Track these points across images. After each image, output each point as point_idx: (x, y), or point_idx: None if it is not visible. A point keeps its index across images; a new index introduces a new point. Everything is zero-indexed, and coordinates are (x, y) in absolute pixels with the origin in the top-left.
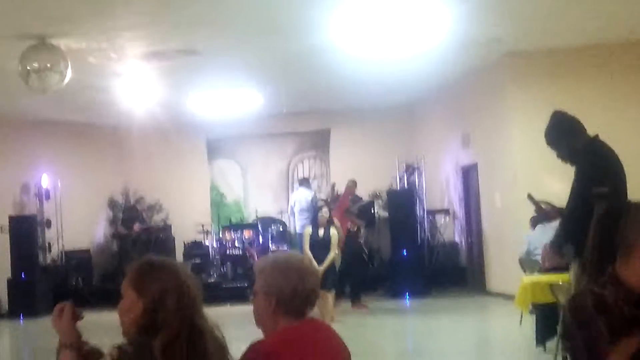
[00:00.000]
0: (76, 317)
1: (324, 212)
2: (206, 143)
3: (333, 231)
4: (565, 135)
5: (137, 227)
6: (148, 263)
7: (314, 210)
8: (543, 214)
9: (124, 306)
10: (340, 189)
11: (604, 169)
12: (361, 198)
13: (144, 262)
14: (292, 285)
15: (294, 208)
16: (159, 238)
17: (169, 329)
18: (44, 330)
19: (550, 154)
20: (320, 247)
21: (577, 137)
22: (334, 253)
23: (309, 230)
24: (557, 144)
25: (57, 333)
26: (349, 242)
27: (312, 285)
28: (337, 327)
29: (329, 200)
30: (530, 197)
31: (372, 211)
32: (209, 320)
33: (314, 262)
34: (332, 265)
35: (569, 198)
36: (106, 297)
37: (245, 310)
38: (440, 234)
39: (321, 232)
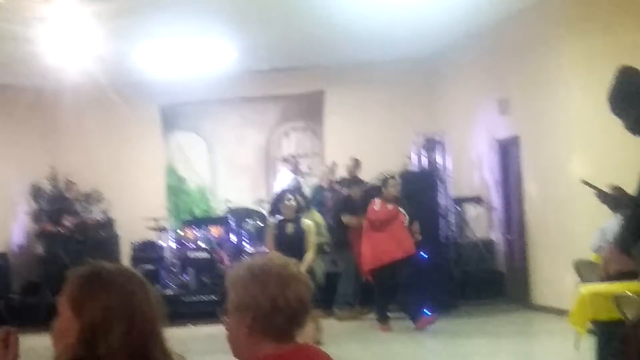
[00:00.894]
0: (9, 341)
1: (288, 199)
2: (160, 111)
3: (307, 223)
4: (635, 100)
5: (68, 222)
6: (93, 271)
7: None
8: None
9: (58, 327)
10: (341, 169)
11: None
12: (362, 181)
13: (89, 269)
14: (272, 297)
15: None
16: (98, 237)
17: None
18: None
19: (617, 124)
20: (289, 246)
21: None
22: (311, 253)
23: (273, 226)
24: (624, 111)
25: None
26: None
27: (299, 298)
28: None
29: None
30: (586, 183)
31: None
32: (172, 353)
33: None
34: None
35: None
36: (29, 316)
37: (214, 332)
38: (471, 229)
39: (289, 227)
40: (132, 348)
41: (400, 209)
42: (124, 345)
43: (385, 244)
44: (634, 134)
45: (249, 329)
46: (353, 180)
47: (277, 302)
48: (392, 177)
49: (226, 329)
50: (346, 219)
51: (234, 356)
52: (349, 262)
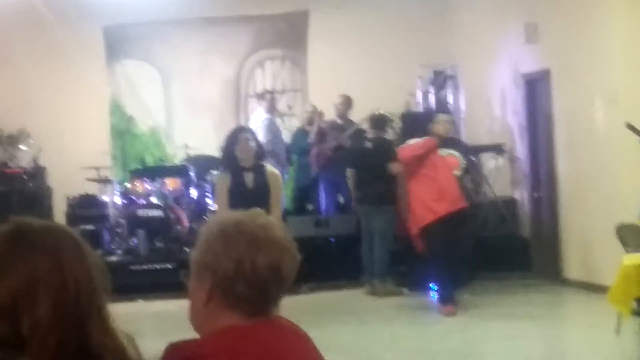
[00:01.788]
0: None
1: (245, 140)
2: (104, 34)
3: (271, 172)
4: None
5: None
6: (15, 229)
7: (276, 142)
8: None
9: None
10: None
11: None
12: (352, 122)
13: (9, 227)
14: (236, 259)
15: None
16: (24, 188)
17: (37, 350)
18: None
19: None
20: (247, 203)
21: None
22: (278, 212)
23: (225, 178)
24: None
25: None
26: None
27: (271, 265)
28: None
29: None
30: (631, 127)
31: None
32: (118, 333)
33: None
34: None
35: None
36: None
37: (169, 307)
38: (489, 185)
39: (249, 178)
40: (65, 325)
41: (454, 153)
42: (54, 321)
43: (428, 193)
44: None
45: (207, 295)
46: (345, 123)
47: (242, 266)
48: (443, 112)
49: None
50: (395, 166)
51: (193, 328)
52: (388, 222)
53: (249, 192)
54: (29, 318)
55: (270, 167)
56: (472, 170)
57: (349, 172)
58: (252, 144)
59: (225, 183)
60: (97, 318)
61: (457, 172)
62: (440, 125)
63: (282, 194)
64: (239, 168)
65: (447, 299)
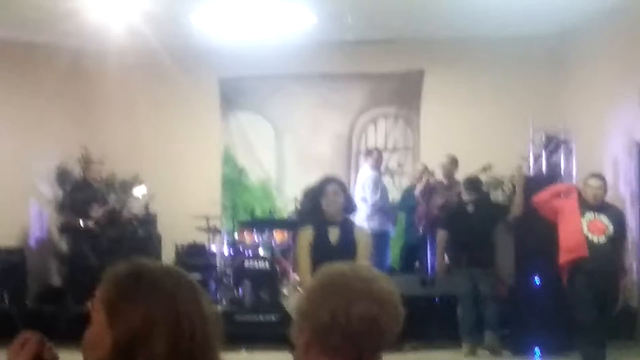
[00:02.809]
0: (43, 358)
1: (333, 193)
2: (220, 86)
3: (360, 234)
4: None
5: (96, 212)
6: (136, 270)
7: (381, 200)
8: None
9: (89, 336)
10: (436, 171)
11: None
12: (458, 182)
13: (129, 267)
14: (331, 310)
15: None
16: (135, 235)
17: None
18: None
19: None
20: (334, 260)
21: None
22: None
23: (307, 233)
24: None
25: None
26: None
27: (365, 317)
28: None
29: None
30: None
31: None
32: None
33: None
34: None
35: None
36: (47, 327)
37: (273, 359)
38: None
39: (333, 234)
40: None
41: (603, 219)
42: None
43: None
44: None
45: (305, 345)
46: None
47: (337, 317)
48: (596, 175)
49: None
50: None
51: None
52: (494, 282)
53: (332, 249)
54: (144, 357)
55: (359, 231)
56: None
57: (441, 233)
58: (341, 197)
59: (308, 239)
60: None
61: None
62: (589, 190)
63: (369, 252)
64: (324, 222)
65: None
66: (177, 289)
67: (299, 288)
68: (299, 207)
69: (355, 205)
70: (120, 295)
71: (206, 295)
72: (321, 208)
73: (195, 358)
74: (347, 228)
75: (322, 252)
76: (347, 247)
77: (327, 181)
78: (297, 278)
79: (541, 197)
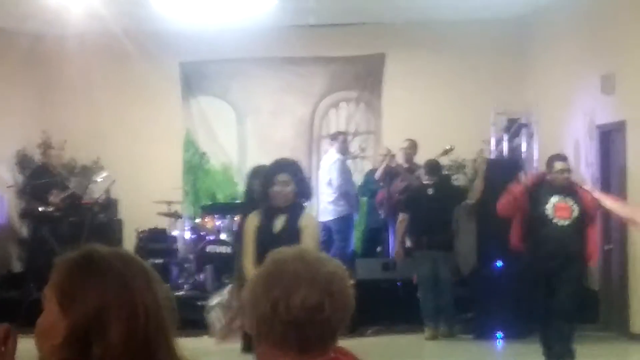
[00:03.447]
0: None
1: (282, 183)
2: (181, 70)
3: (306, 221)
4: None
5: (55, 197)
6: (86, 256)
7: (346, 184)
8: None
9: (42, 324)
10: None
11: None
12: (419, 165)
13: (80, 254)
14: (271, 300)
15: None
16: (95, 220)
17: None
18: None
19: None
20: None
21: None
22: None
23: (253, 220)
24: None
25: None
26: None
27: (306, 306)
28: None
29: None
30: None
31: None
32: None
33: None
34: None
35: None
36: (8, 313)
37: (237, 345)
38: None
39: (280, 221)
40: (134, 351)
41: (568, 201)
42: (124, 347)
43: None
44: None
45: (256, 337)
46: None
47: (277, 307)
48: (560, 157)
49: None
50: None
51: None
52: (453, 265)
53: (275, 237)
54: (99, 343)
55: (306, 216)
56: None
57: (401, 216)
58: (290, 187)
59: (254, 224)
60: (165, 347)
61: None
62: (554, 173)
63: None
64: (271, 209)
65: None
66: (130, 274)
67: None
68: (246, 188)
69: (310, 192)
70: (72, 283)
71: (160, 280)
72: (268, 195)
73: (150, 344)
74: (295, 215)
75: (265, 239)
76: (291, 235)
77: (277, 168)
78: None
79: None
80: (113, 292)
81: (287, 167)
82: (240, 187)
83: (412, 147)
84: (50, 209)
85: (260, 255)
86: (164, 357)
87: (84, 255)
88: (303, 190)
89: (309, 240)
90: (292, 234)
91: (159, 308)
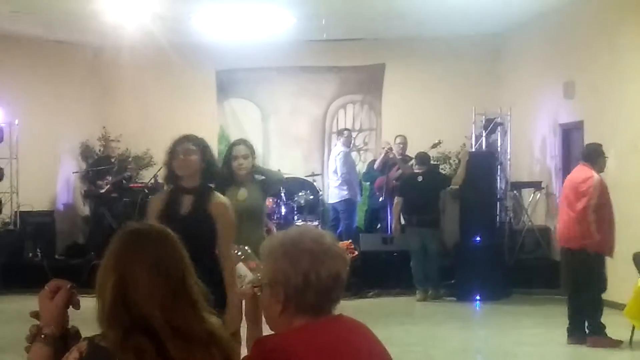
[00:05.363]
0: (71, 303)
1: (184, 152)
2: (216, 76)
3: (217, 205)
4: None
5: (110, 181)
6: (134, 232)
7: (349, 172)
8: None
9: (99, 281)
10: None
11: None
12: (409, 157)
13: (130, 230)
14: (303, 273)
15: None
16: (145, 201)
17: (127, 321)
18: None
19: None
20: (180, 233)
21: None
22: (226, 245)
23: (158, 198)
24: None
25: (40, 313)
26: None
27: (332, 274)
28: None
29: (378, 162)
30: None
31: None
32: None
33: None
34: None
35: None
36: (72, 276)
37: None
38: (528, 215)
39: (187, 201)
40: (159, 298)
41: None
42: (150, 295)
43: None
44: None
45: (282, 306)
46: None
47: (309, 279)
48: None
49: (261, 304)
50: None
51: (269, 328)
52: (439, 240)
53: (180, 220)
54: (134, 293)
55: (218, 195)
56: (514, 203)
57: (397, 199)
58: (194, 156)
59: (156, 204)
60: (185, 296)
61: None
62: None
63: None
64: (179, 188)
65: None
66: (164, 242)
67: None
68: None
69: (214, 173)
70: (118, 251)
71: (183, 248)
72: (172, 169)
73: (174, 294)
74: (203, 197)
75: (169, 222)
76: (196, 219)
77: (180, 140)
78: None
79: None
80: (151, 258)
81: (192, 139)
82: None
83: (404, 142)
84: (107, 191)
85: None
86: (182, 303)
87: (132, 230)
88: (209, 168)
89: (223, 224)
90: (199, 218)
91: (183, 266)
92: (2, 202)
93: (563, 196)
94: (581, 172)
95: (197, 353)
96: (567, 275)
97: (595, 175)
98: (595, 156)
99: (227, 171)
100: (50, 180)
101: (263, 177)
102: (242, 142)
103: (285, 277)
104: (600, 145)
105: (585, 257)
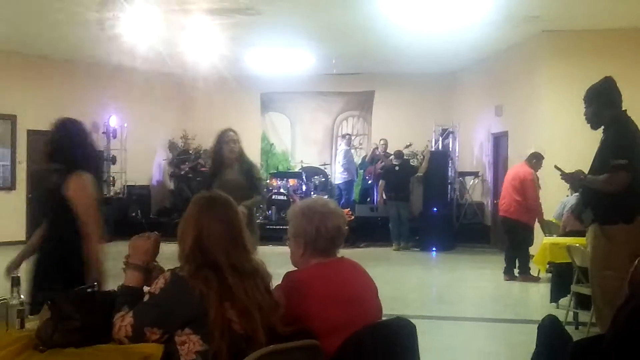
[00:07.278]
0: (157, 245)
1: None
2: (260, 97)
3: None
4: (600, 97)
5: (185, 167)
6: (203, 196)
7: (348, 163)
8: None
9: (180, 233)
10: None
11: (627, 141)
12: (389, 154)
13: (200, 196)
14: (315, 226)
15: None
16: (208, 181)
17: (199, 259)
18: (105, 255)
19: (577, 127)
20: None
21: (608, 104)
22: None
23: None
24: (589, 101)
25: (134, 251)
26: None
27: (335, 227)
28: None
29: (368, 157)
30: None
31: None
32: (248, 250)
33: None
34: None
35: (590, 167)
36: (161, 229)
37: (285, 251)
38: (469, 194)
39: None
40: (226, 244)
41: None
42: (219, 242)
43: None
44: (587, 122)
45: (302, 251)
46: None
47: (319, 230)
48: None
49: (290, 250)
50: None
51: (293, 266)
52: (409, 210)
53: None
54: (207, 241)
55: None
56: (460, 186)
57: (381, 182)
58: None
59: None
60: (242, 245)
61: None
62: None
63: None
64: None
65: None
66: (224, 206)
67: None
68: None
69: (61, 158)
70: (193, 212)
71: (238, 211)
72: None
73: (233, 240)
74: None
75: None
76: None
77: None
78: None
79: None
80: (218, 218)
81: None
82: (291, 163)
83: (385, 143)
84: (184, 172)
85: None
86: (239, 248)
87: (206, 196)
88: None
89: (78, 202)
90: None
91: (240, 222)
92: (115, 179)
93: (507, 182)
94: (525, 169)
95: (247, 282)
96: (506, 235)
97: (534, 173)
98: (535, 161)
99: (218, 155)
100: (147, 165)
101: (251, 166)
102: (231, 130)
103: (303, 230)
104: (540, 154)
105: (523, 225)
